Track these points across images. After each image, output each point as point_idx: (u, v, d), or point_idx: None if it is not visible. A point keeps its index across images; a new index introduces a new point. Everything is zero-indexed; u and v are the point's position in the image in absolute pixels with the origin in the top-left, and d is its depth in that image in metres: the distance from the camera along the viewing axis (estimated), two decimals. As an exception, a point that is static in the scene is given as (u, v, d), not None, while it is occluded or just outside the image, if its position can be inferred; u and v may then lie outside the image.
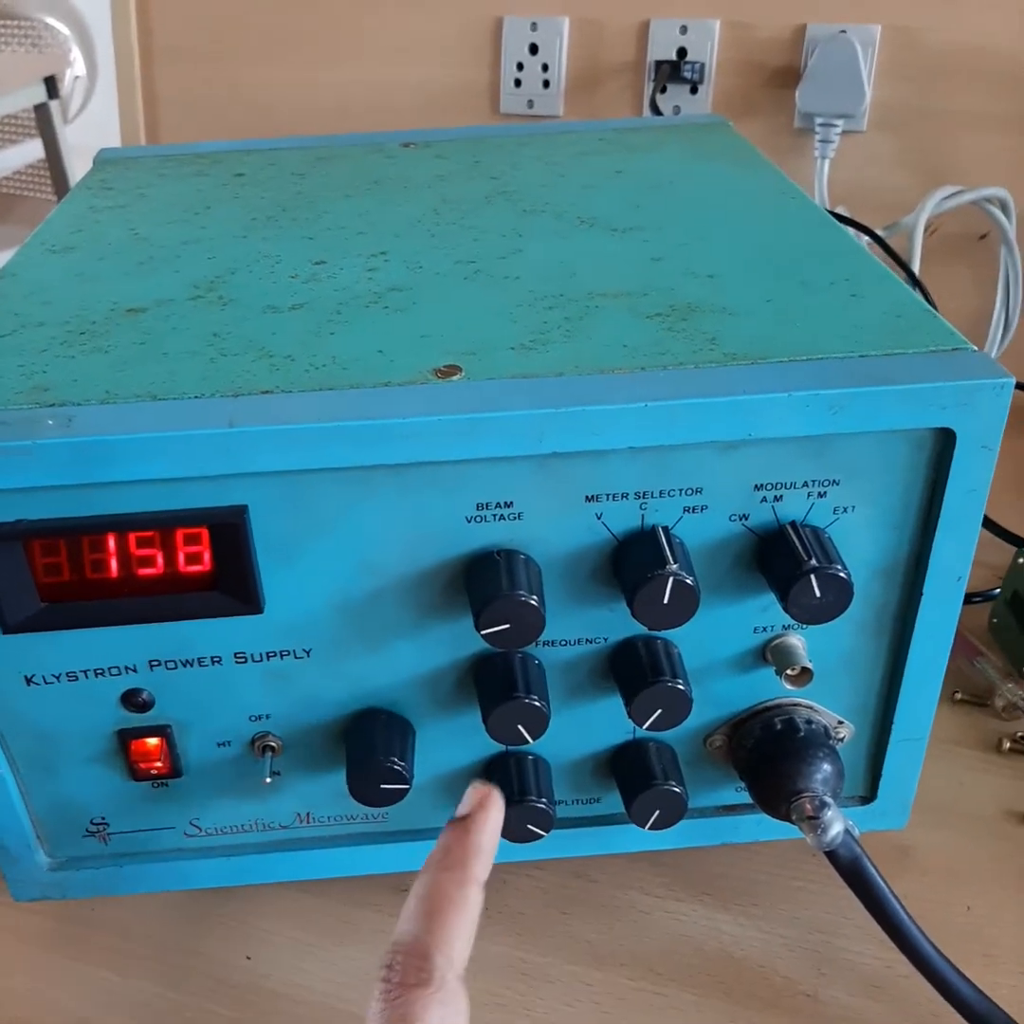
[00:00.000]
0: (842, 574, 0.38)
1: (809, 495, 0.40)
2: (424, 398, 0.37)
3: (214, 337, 0.42)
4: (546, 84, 0.94)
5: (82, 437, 0.35)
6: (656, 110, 0.88)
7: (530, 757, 0.45)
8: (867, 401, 0.37)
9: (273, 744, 0.43)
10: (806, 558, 0.38)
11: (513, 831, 0.43)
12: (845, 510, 0.40)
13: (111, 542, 0.38)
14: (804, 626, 0.43)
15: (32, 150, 2.04)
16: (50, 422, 0.36)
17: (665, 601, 0.38)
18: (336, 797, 0.45)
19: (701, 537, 0.40)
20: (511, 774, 0.44)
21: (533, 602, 0.38)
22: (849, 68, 0.82)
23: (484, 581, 0.38)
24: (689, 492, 0.39)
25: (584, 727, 0.45)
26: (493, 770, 0.45)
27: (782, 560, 0.39)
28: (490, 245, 0.49)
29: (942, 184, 0.81)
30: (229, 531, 0.38)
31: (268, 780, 0.43)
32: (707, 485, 0.39)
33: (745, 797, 0.47)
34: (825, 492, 0.39)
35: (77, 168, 1.98)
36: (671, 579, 0.37)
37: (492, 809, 0.34)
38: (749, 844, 0.50)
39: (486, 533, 0.39)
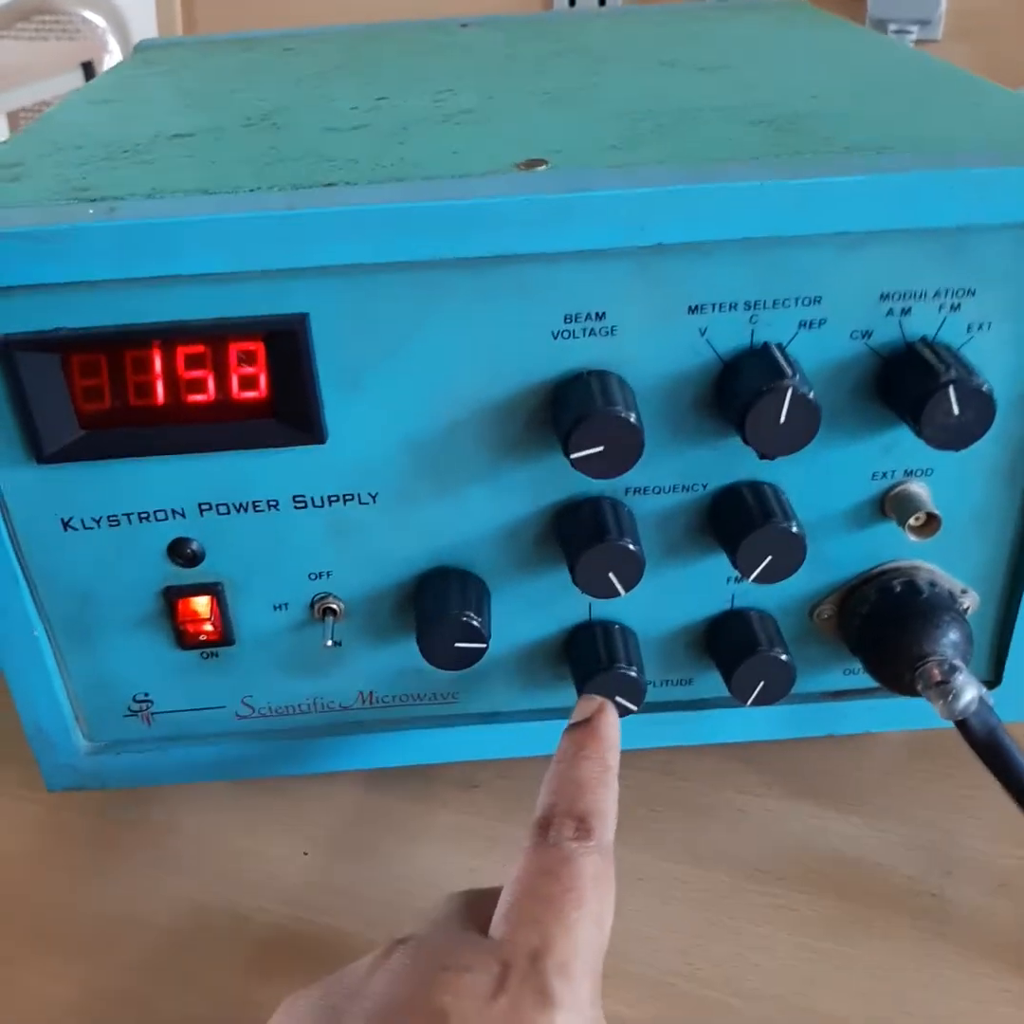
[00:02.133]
0: (984, 387, 0.33)
1: (941, 308, 0.35)
2: (506, 184, 0.33)
3: (270, 149, 0.38)
4: (602, 1, 0.90)
5: (127, 220, 0.31)
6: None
7: (617, 626, 0.40)
8: (1009, 183, 0.32)
9: (335, 607, 0.39)
10: (943, 369, 0.33)
11: (600, 706, 0.39)
12: (981, 327, 0.35)
13: (157, 362, 0.34)
14: (927, 473, 0.38)
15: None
16: (91, 211, 0.32)
17: (782, 419, 0.33)
18: (402, 674, 0.41)
19: (817, 358, 0.35)
20: (597, 643, 0.39)
21: (631, 418, 0.33)
22: (925, -31, 0.78)
23: (574, 400, 0.34)
24: (806, 302, 0.34)
25: (677, 593, 0.40)
26: (576, 641, 0.40)
27: (913, 377, 0.34)
28: (564, 81, 0.45)
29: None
30: (288, 343, 0.33)
31: (329, 643, 0.38)
32: (827, 293, 0.34)
33: (854, 681, 0.42)
34: (959, 304, 0.35)
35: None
36: (790, 391, 0.33)
37: (609, 709, 0.35)
38: (856, 741, 0.45)
39: (575, 351, 0.35)
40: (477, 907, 0.31)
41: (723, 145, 0.35)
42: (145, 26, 2.19)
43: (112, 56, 2.27)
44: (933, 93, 0.42)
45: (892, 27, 0.80)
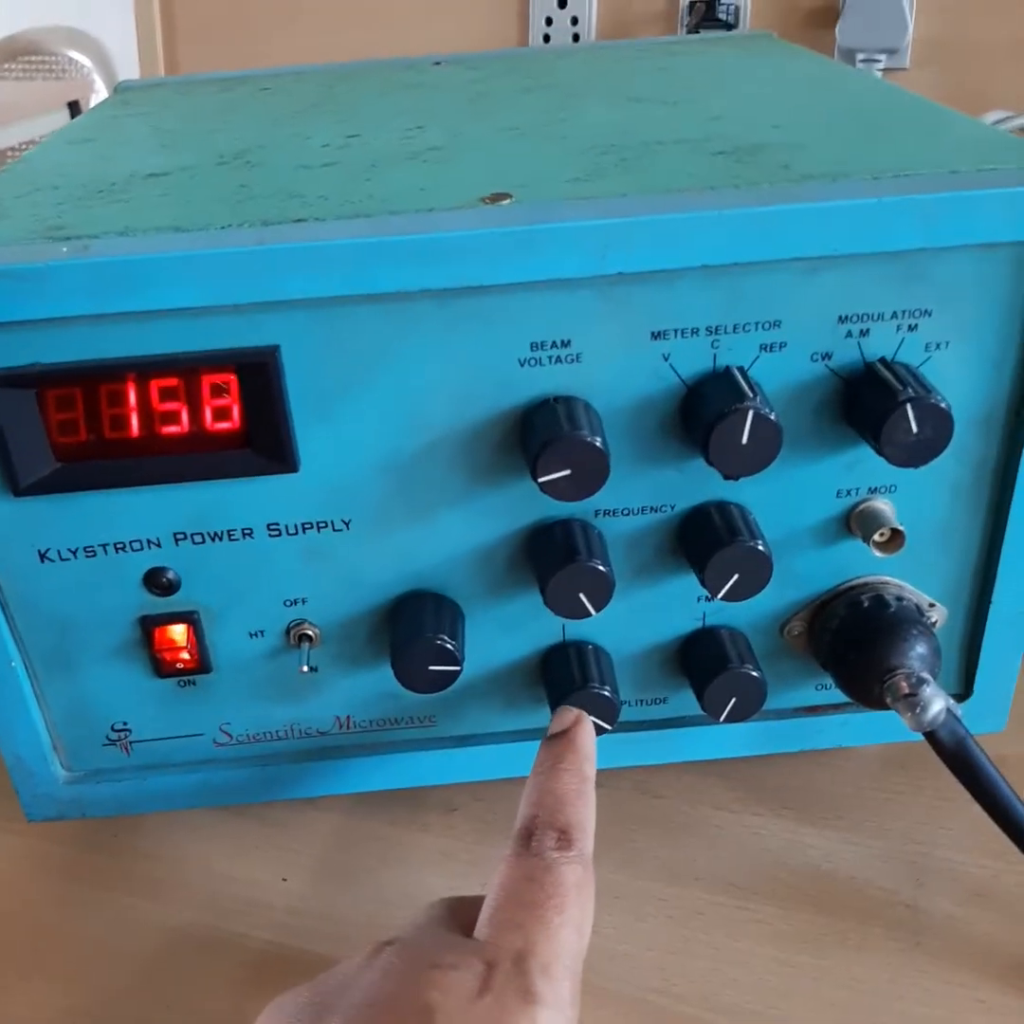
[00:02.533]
0: (942, 404, 0.34)
1: (899, 329, 0.36)
2: (471, 217, 0.34)
3: (241, 187, 0.39)
4: (576, 38, 0.92)
5: (100, 257, 0.32)
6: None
7: (590, 647, 0.41)
8: (965, 207, 0.33)
9: (310, 633, 0.39)
10: (901, 388, 0.34)
11: (575, 726, 0.39)
12: (938, 346, 0.36)
13: (132, 394, 0.35)
14: (891, 490, 0.39)
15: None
16: (65, 249, 0.33)
17: (744, 440, 0.34)
18: (379, 698, 0.41)
19: (779, 380, 0.36)
20: (570, 664, 0.40)
21: (597, 443, 0.34)
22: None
23: (541, 425, 0.35)
24: (766, 326, 0.35)
25: (649, 613, 0.41)
26: (551, 662, 0.41)
27: (872, 397, 0.35)
28: (532, 117, 0.46)
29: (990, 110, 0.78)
30: (260, 374, 0.34)
31: (305, 669, 0.39)
32: (786, 317, 0.35)
33: (827, 697, 0.43)
34: (916, 324, 0.36)
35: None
36: (751, 413, 0.34)
37: (586, 721, 0.36)
38: (831, 755, 0.45)
39: (541, 379, 0.36)
40: (460, 912, 0.32)
41: (683, 176, 0.36)
42: (131, 66, 2.21)
43: (98, 95, 2.29)
44: (893, 121, 0.43)
45: (860, 56, 0.82)
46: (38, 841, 0.44)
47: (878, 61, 0.81)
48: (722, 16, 0.86)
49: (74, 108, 2.06)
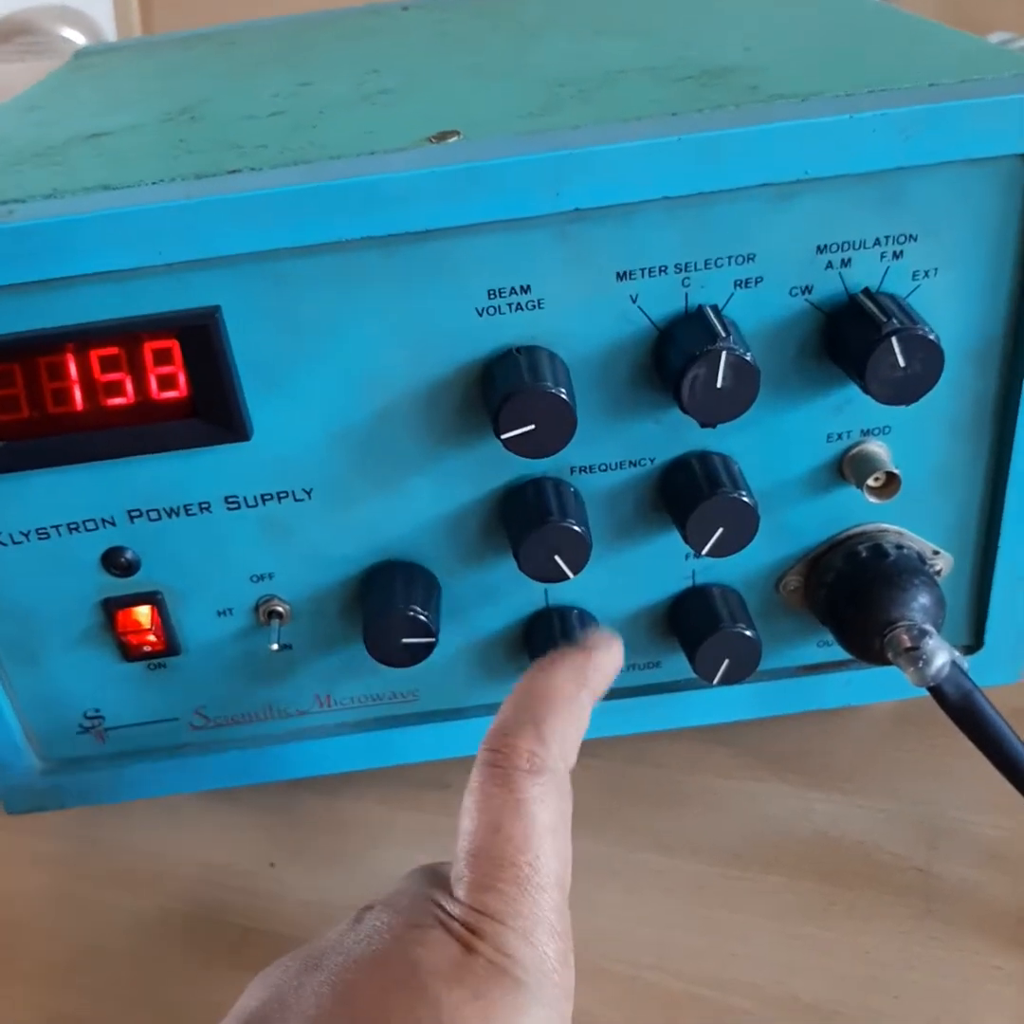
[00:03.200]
0: (930, 336, 0.32)
1: (882, 257, 0.33)
2: (416, 158, 0.31)
3: (179, 142, 0.36)
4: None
5: (22, 222, 0.30)
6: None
7: (575, 611, 0.39)
8: (945, 119, 0.31)
9: (280, 609, 0.38)
10: (885, 320, 0.32)
11: (560, 694, 0.37)
12: (926, 274, 0.34)
13: (72, 366, 0.33)
14: (885, 431, 0.36)
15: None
16: (-13, 215, 0.31)
17: (718, 384, 0.32)
18: (358, 673, 0.40)
19: (757, 318, 0.34)
20: (553, 631, 0.38)
21: (561, 394, 0.32)
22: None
23: (502, 379, 0.33)
24: (739, 260, 0.33)
25: (635, 574, 0.39)
26: (534, 630, 0.39)
27: (856, 330, 0.33)
28: (493, 55, 0.44)
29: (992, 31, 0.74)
30: (202, 338, 0.32)
31: (275, 647, 0.37)
32: (760, 250, 0.33)
33: (829, 654, 0.41)
34: (901, 251, 0.33)
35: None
36: (724, 354, 0.31)
37: (616, 643, 0.33)
38: (836, 715, 0.43)
39: (502, 328, 0.33)
40: (441, 876, 0.30)
41: (644, 103, 0.34)
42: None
43: (94, 76, 2.28)
44: (874, 38, 0.40)
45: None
46: (17, 835, 0.43)
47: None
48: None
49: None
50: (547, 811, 0.28)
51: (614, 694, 0.39)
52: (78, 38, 2.34)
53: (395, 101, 0.38)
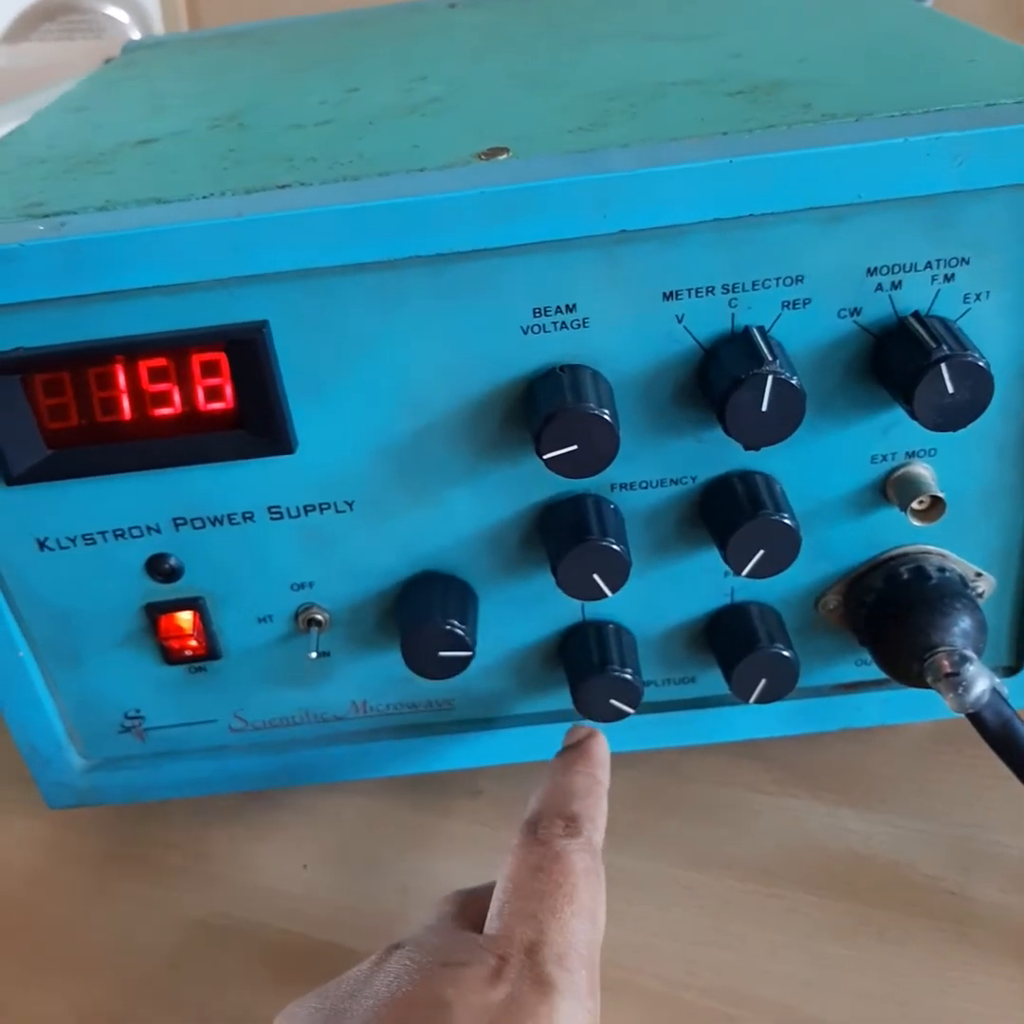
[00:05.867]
0: (980, 362, 0.31)
1: (933, 279, 0.33)
2: (464, 177, 0.31)
3: (229, 152, 0.37)
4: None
5: (75, 236, 0.30)
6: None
7: (611, 626, 0.39)
8: (1001, 145, 0.30)
9: (319, 617, 0.38)
10: (934, 346, 0.31)
11: (595, 708, 0.37)
12: (977, 297, 0.33)
13: (121, 376, 0.33)
14: (930, 454, 0.36)
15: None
16: (41, 228, 0.31)
17: (764, 407, 0.32)
18: (394, 682, 0.40)
19: (804, 340, 0.33)
20: (589, 645, 0.38)
21: (604, 415, 0.32)
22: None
23: (545, 398, 0.33)
24: (788, 281, 0.32)
25: (673, 590, 0.38)
26: (570, 643, 0.39)
27: (904, 355, 0.32)
28: (542, 62, 0.44)
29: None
30: (250, 351, 0.32)
31: (314, 655, 0.38)
32: (809, 271, 0.32)
33: (868, 673, 0.41)
34: (952, 274, 0.33)
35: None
36: (770, 378, 0.31)
37: (599, 735, 0.36)
38: (873, 732, 0.43)
39: (546, 346, 0.33)
40: (470, 907, 0.32)
41: (693, 121, 0.33)
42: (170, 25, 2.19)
43: (136, 56, 2.28)
44: (927, 50, 0.40)
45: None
46: (59, 828, 0.44)
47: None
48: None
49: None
50: (582, 860, 0.30)
51: (649, 708, 0.40)
52: (122, 17, 2.35)
53: (443, 111, 0.38)
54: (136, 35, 2.30)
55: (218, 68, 0.52)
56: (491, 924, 0.29)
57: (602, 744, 0.36)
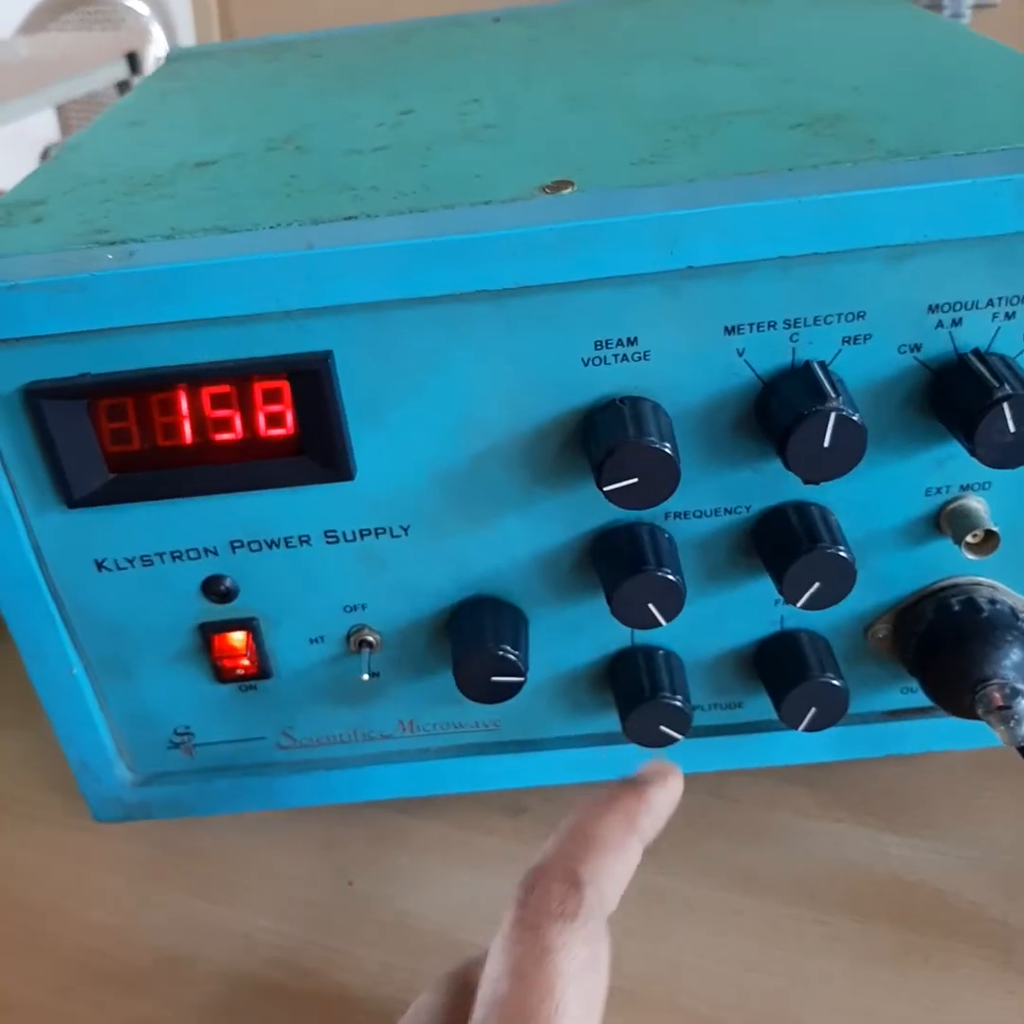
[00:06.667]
0: (1043, 402, 0.31)
1: (994, 317, 0.33)
2: (531, 211, 0.31)
3: (291, 178, 0.37)
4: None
5: (145, 266, 0.31)
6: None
7: (660, 651, 0.39)
8: (1071, 186, 0.30)
9: (371, 639, 0.38)
10: (996, 384, 0.31)
11: (644, 734, 0.38)
12: (1038, 335, 0.33)
13: (183, 402, 0.33)
14: (985, 487, 0.36)
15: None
16: (110, 256, 0.32)
17: (826, 443, 0.32)
18: (442, 702, 0.40)
19: (863, 375, 0.34)
20: (639, 670, 0.38)
21: (666, 449, 0.32)
22: (980, -72, 0.74)
23: (606, 431, 0.33)
24: (849, 317, 0.33)
25: (723, 617, 0.39)
26: (619, 668, 0.39)
27: (965, 393, 0.32)
28: (593, 84, 0.44)
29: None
30: (313, 381, 0.33)
31: (366, 677, 0.38)
32: (871, 307, 0.32)
33: (913, 700, 0.41)
34: (1013, 312, 0.33)
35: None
36: (833, 415, 0.31)
37: (672, 775, 0.32)
38: (916, 758, 0.43)
39: (606, 378, 0.34)
40: (467, 996, 0.29)
41: (757, 155, 0.34)
42: (187, 14, 2.19)
43: (155, 45, 2.28)
44: (987, 81, 0.40)
45: (945, -9, 0.77)
46: (106, 841, 0.44)
47: (968, -4, 0.76)
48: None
49: (133, 60, 2.05)
50: (572, 959, 0.26)
51: (695, 732, 0.40)
52: (142, 8, 2.35)
53: (500, 138, 0.38)
54: (155, 27, 2.30)
55: (266, 83, 0.52)
56: None
57: (670, 792, 0.31)
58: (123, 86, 1.97)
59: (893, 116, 0.36)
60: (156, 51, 2.28)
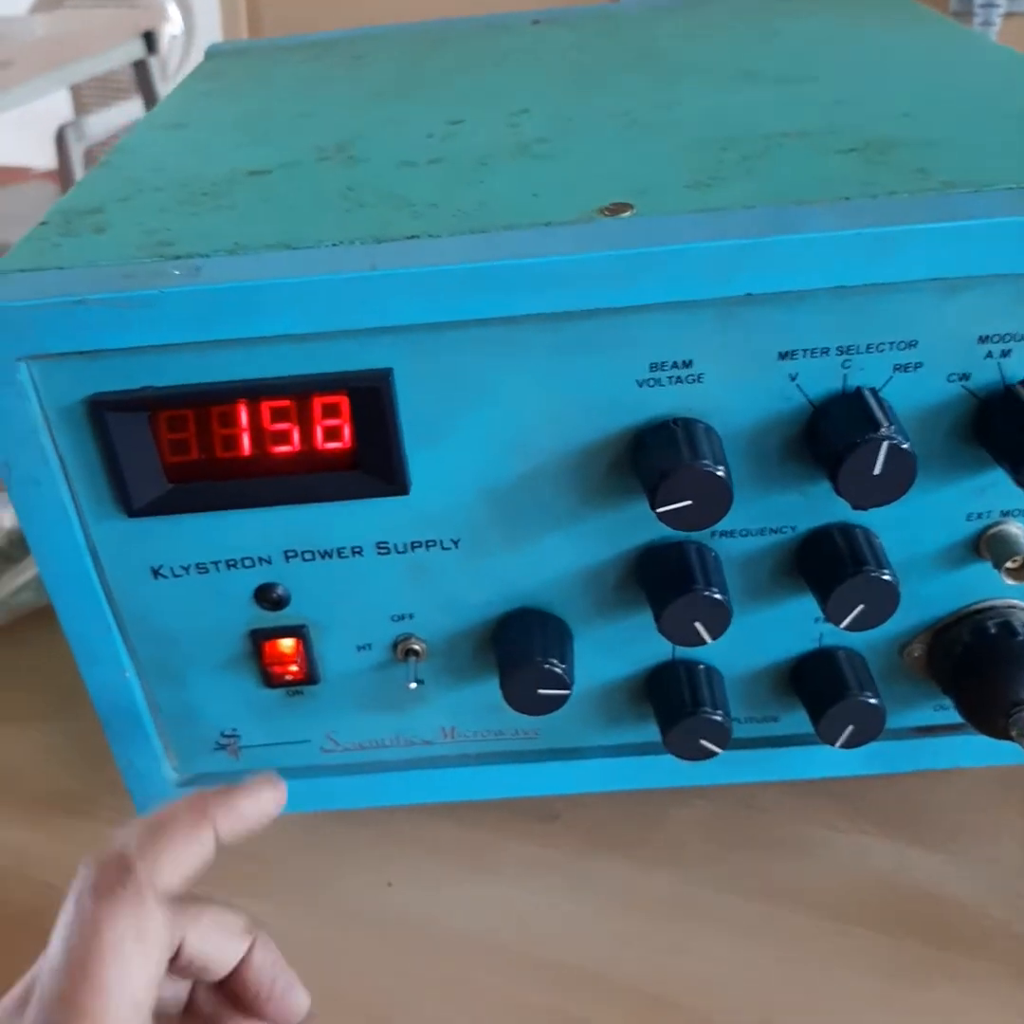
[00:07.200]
0: (1092, 436, 0.32)
1: (1044, 349, 0.33)
2: (593, 236, 0.32)
3: (348, 191, 0.37)
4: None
5: (212, 284, 0.31)
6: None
7: (701, 666, 0.40)
8: (1126, 224, 0.31)
9: (417, 648, 0.39)
10: (1047, 417, 0.32)
11: (684, 747, 0.38)
12: (1087, 367, 0.34)
13: (243, 415, 0.34)
14: (1026, 512, 0.37)
15: (131, 110, 2.04)
16: (177, 273, 0.32)
17: (877, 471, 0.32)
18: (484, 710, 0.41)
19: (912, 402, 0.34)
20: (681, 684, 0.39)
21: (720, 473, 0.32)
22: (1015, -63, 0.74)
23: (660, 452, 0.33)
24: (902, 346, 0.33)
25: (763, 633, 0.39)
26: (659, 681, 0.40)
27: (1012, 424, 0.33)
28: (642, 99, 0.44)
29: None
30: (372, 397, 0.33)
31: (413, 686, 0.39)
32: (923, 337, 0.33)
33: (945, 717, 0.42)
34: (1064, 345, 0.33)
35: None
36: (885, 444, 0.32)
37: (270, 787, 0.33)
38: (943, 774, 0.44)
39: (659, 399, 0.34)
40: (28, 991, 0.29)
41: (812, 181, 0.34)
42: (204, -5, 2.18)
43: (171, 24, 2.27)
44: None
45: (979, 0, 0.77)
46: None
47: (998, 6, 0.76)
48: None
49: (150, 39, 2.04)
50: (114, 930, 0.27)
51: (732, 745, 0.41)
52: (158, -12, 2.33)
53: (554, 154, 0.39)
54: (171, 6, 2.29)
55: (309, 86, 0.52)
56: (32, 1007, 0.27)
57: (259, 802, 0.32)
58: (139, 65, 1.97)
59: (943, 143, 0.36)
60: (172, 30, 2.27)
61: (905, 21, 0.53)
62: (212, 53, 0.61)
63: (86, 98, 2.34)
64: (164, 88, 2.01)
